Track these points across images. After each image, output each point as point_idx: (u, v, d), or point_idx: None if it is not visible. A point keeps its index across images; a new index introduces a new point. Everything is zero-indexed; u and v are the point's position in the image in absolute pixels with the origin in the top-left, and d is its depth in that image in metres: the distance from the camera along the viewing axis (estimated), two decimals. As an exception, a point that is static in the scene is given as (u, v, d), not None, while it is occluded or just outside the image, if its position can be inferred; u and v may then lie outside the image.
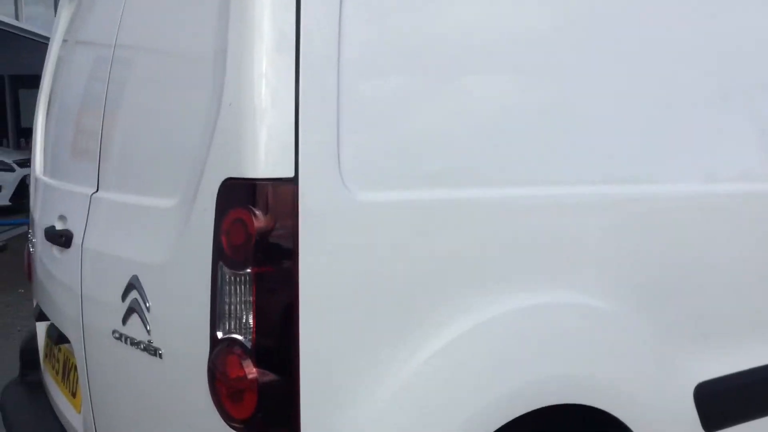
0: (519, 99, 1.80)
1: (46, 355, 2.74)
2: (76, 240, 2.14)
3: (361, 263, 1.58)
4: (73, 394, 2.33)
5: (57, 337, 2.33)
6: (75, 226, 2.18)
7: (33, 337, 3.00)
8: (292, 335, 1.52)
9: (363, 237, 1.59)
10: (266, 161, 1.51)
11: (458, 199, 1.69)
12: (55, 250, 2.32)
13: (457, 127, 1.71)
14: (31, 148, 2.90)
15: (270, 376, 1.51)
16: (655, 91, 1.99)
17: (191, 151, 1.66)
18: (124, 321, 1.86)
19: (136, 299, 1.81)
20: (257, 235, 1.50)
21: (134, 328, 1.82)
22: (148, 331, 1.77)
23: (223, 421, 1.56)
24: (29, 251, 2.93)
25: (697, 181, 2.06)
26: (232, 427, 1.55)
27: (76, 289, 2.13)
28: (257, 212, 1.50)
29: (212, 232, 1.57)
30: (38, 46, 13.85)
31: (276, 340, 1.52)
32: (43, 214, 2.60)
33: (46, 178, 2.66)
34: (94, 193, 2.11)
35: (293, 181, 1.52)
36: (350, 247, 1.57)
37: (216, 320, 1.57)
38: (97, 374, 2.08)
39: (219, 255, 1.56)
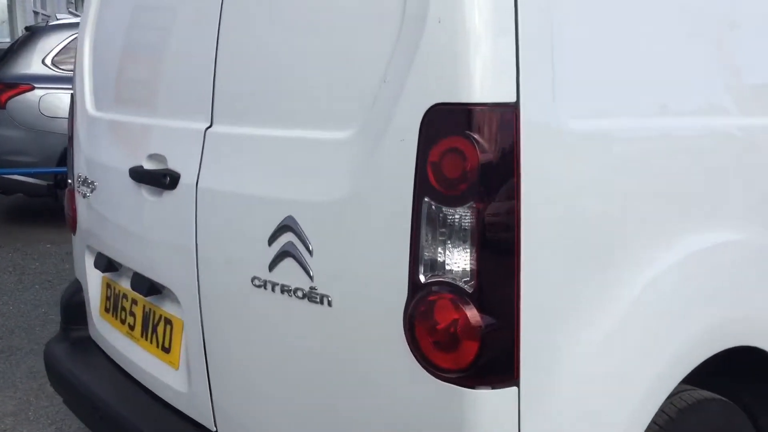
0: (727, 29, 1.72)
1: (105, 309, 2.52)
2: (186, 180, 1.93)
3: (575, 195, 1.46)
4: (166, 350, 2.14)
5: (148, 289, 2.13)
6: (181, 165, 1.96)
7: (76, 291, 2.76)
8: (513, 276, 1.38)
9: (577, 167, 1.46)
10: (484, 84, 1.35)
11: (668, 127, 1.60)
12: (145, 192, 2.10)
13: (667, 55, 1.61)
14: None
15: (491, 321, 1.38)
16: None
17: (374, 77, 1.48)
18: (272, 267, 1.68)
19: (291, 242, 1.64)
20: (480, 166, 1.35)
21: (288, 274, 1.65)
22: (311, 277, 1.60)
23: (424, 370, 1.43)
24: (73, 196, 2.68)
25: None
26: (439, 377, 1.42)
27: (188, 234, 1.92)
28: (479, 140, 1.35)
29: (413, 165, 1.41)
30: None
31: (497, 282, 1.39)
32: (109, 153, 2.36)
33: (108, 115, 2.41)
34: (208, 128, 1.90)
35: (514, 107, 1.37)
36: (565, 179, 1.45)
37: (418, 263, 1.42)
38: (218, 325, 1.90)
39: (424, 189, 1.40)
